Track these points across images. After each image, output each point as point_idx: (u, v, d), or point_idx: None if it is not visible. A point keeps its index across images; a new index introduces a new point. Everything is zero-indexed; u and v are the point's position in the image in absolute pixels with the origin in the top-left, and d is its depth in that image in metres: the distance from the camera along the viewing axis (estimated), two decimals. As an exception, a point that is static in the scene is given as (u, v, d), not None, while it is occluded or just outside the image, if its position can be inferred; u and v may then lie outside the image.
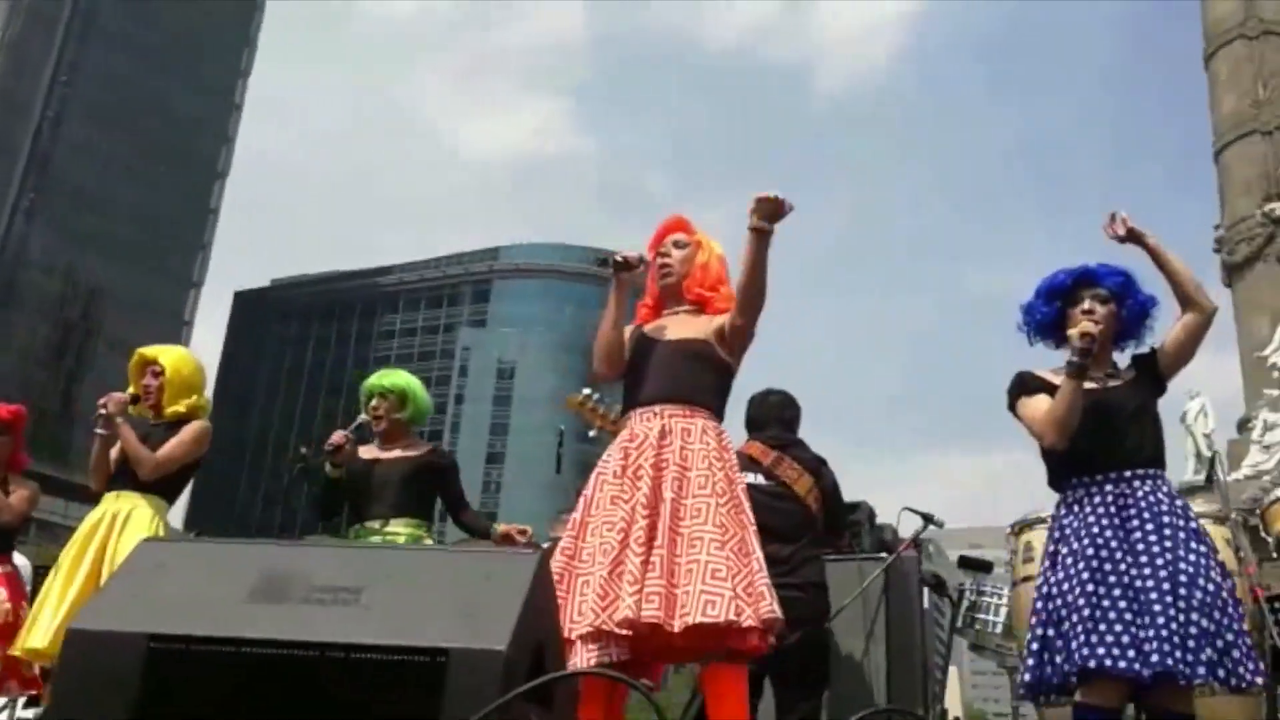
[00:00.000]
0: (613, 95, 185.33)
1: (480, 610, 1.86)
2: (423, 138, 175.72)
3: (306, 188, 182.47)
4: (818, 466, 4.48)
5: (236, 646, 1.85)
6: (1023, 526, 4.45)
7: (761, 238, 3.22)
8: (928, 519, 5.07)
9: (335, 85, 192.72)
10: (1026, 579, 4.27)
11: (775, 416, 4.56)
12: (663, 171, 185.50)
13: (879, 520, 5.94)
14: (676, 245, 3.48)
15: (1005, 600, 4.59)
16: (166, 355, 4.59)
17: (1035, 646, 3.30)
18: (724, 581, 2.95)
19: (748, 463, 4.25)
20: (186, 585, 1.98)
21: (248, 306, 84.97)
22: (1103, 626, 3.06)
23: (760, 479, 4.27)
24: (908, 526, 5.17)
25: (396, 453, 4.61)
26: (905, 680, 5.10)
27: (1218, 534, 3.96)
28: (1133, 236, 3.30)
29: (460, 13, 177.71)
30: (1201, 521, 3.33)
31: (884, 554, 5.12)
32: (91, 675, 1.86)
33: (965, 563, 4.80)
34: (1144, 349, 3.50)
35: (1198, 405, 19.11)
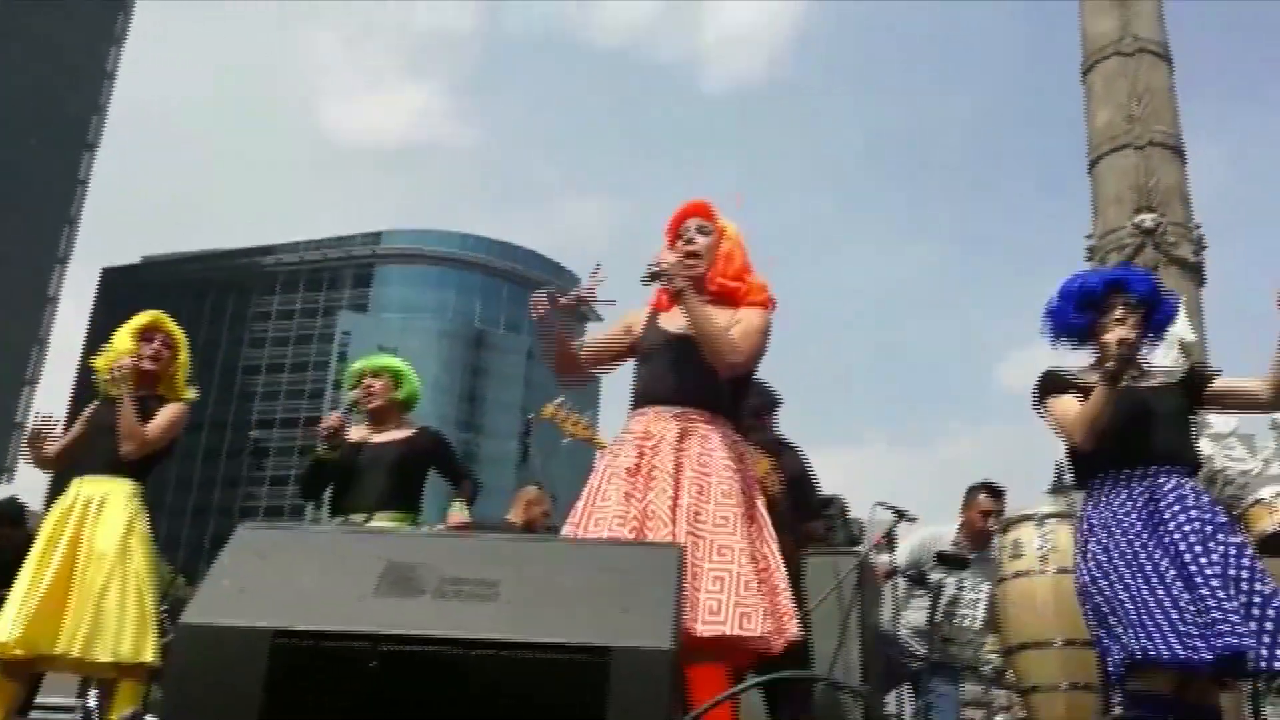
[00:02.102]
0: (497, 84, 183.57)
1: (636, 606, 1.77)
2: (305, 117, 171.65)
3: (182, 163, 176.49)
4: (778, 449, 4.42)
5: (372, 643, 1.72)
6: (1009, 523, 4.50)
7: (677, 298, 3.11)
8: (900, 514, 5.09)
9: (215, 58, 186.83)
10: (1016, 575, 4.32)
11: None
12: (546, 162, 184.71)
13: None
14: (701, 231, 3.30)
15: (983, 596, 4.64)
16: (178, 332, 4.40)
17: (1099, 643, 3.30)
18: (757, 595, 2.91)
19: None
20: (304, 576, 1.84)
21: (117, 283, 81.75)
22: (1146, 618, 3.08)
23: None
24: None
25: (386, 436, 4.45)
26: (879, 675, 5.13)
27: None
28: None
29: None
30: None
31: (858, 549, 5.13)
32: (211, 674, 1.71)
33: (943, 558, 4.83)
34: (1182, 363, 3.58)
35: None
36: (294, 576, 1.84)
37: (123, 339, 4.39)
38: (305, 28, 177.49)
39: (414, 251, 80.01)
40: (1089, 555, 3.30)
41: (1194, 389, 3.44)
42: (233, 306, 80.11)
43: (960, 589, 4.66)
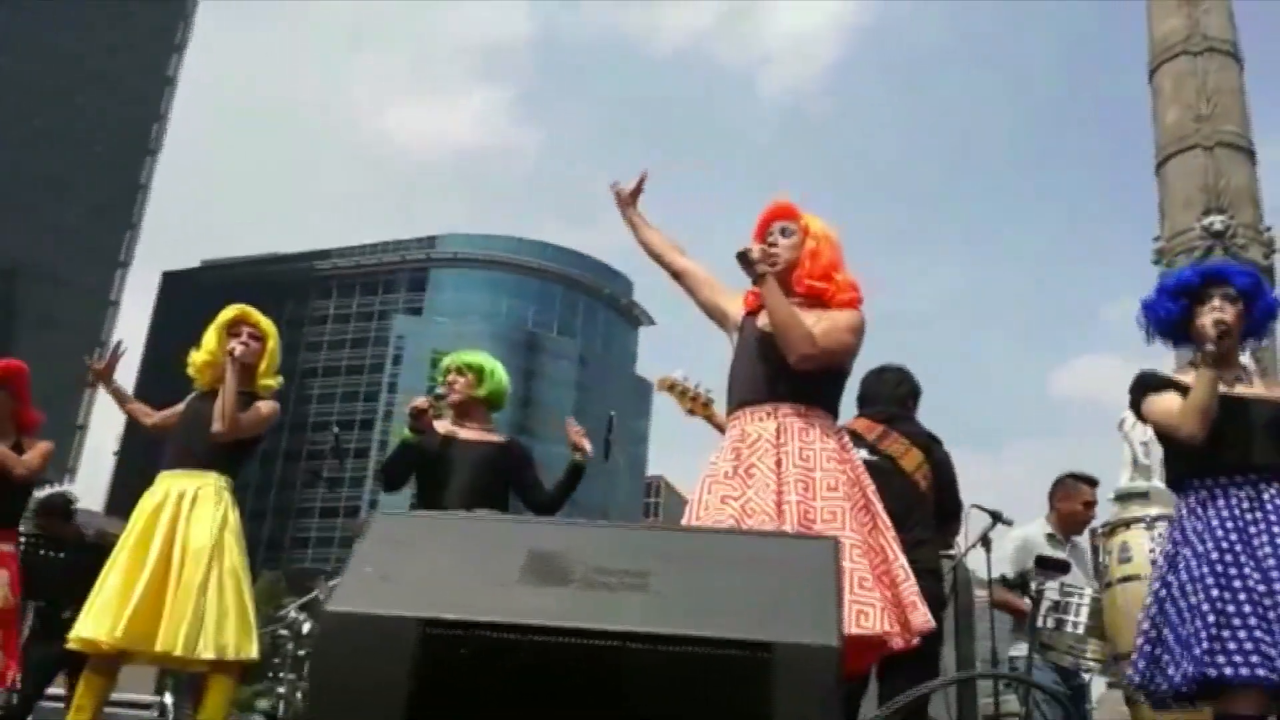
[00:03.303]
0: (553, 90, 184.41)
1: (796, 600, 1.68)
2: (361, 124, 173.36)
3: (242, 168, 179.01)
4: (928, 443, 4.26)
5: (522, 634, 1.65)
6: (1114, 527, 4.37)
7: (758, 284, 3.13)
8: (996, 516, 4.96)
9: (274, 65, 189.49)
10: (1124, 579, 4.19)
11: (888, 393, 4.35)
12: (600, 166, 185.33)
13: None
14: (783, 233, 3.26)
15: (1087, 600, 4.50)
16: (265, 322, 4.39)
17: (1148, 648, 3.24)
18: (872, 591, 2.83)
19: (850, 438, 4.09)
20: (446, 564, 1.77)
21: (176, 287, 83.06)
22: (1226, 634, 3.01)
23: (863, 454, 4.08)
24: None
25: (474, 434, 4.39)
26: (973, 684, 5.01)
27: None
28: None
29: (402, 1, 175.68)
30: None
31: (950, 553, 4.99)
32: (357, 663, 1.64)
33: (1043, 562, 4.69)
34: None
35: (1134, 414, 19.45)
36: (436, 564, 1.77)
37: (210, 337, 4.39)
38: (364, 35, 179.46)
39: (468, 256, 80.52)
40: (1180, 561, 3.22)
41: None
42: (289, 310, 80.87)
43: (1065, 593, 4.51)
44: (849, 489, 2.98)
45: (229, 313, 4.45)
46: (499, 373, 4.57)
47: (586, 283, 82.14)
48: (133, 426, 4.66)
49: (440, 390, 4.47)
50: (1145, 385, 3.44)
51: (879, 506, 3.05)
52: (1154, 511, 4.30)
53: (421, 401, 4.29)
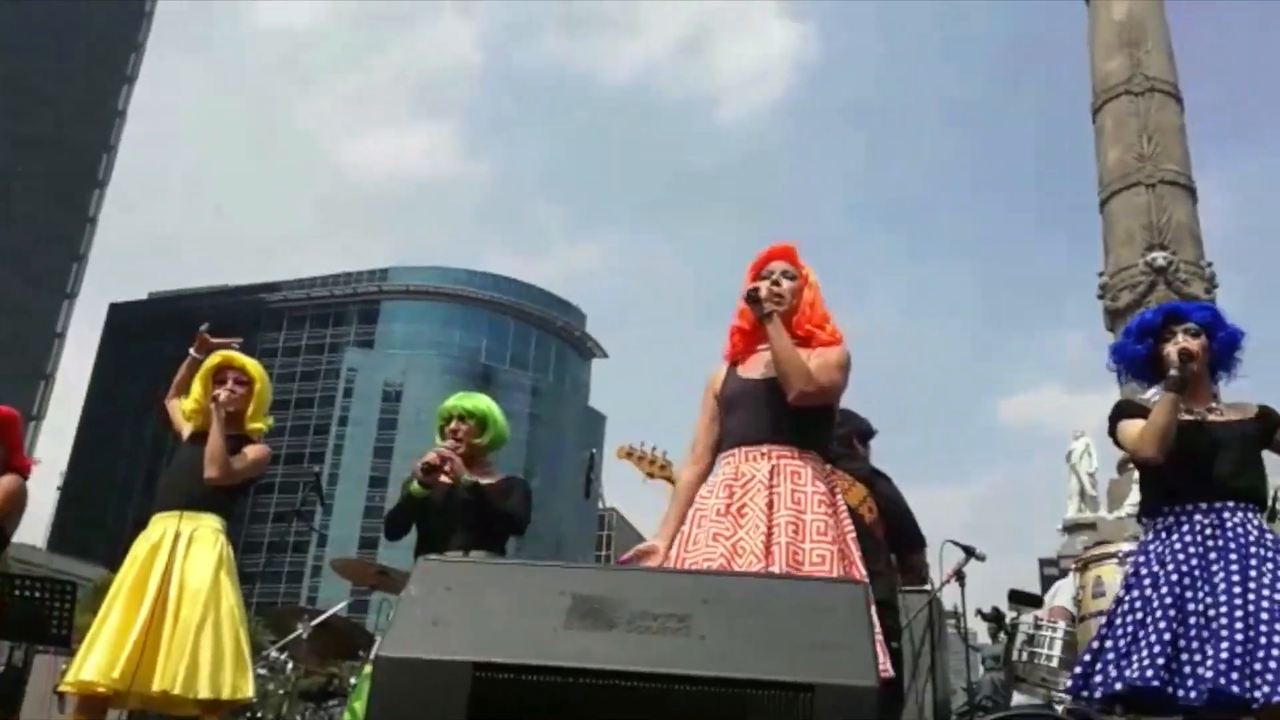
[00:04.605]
0: (502, 122, 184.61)
1: (834, 642, 1.75)
2: (311, 156, 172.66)
3: (191, 200, 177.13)
4: (871, 477, 4.38)
5: (572, 676, 1.72)
6: (1088, 562, 4.48)
7: (765, 321, 3.20)
8: (969, 552, 5.09)
9: (224, 99, 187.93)
10: (1100, 613, 4.29)
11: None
12: (552, 199, 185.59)
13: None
14: (786, 276, 3.34)
15: (1061, 634, 4.61)
16: (252, 366, 4.39)
17: (1089, 657, 3.37)
18: None
19: None
20: (493, 608, 1.83)
21: (123, 319, 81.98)
22: (1184, 658, 3.12)
23: None
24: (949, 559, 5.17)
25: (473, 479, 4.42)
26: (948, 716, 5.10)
27: None
28: None
29: (351, 33, 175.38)
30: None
31: (926, 587, 5.10)
32: (413, 707, 1.70)
33: (1015, 596, 4.83)
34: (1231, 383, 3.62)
35: (1082, 445, 19.75)
36: (484, 609, 1.83)
37: (196, 386, 4.39)
38: (313, 67, 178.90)
39: (420, 288, 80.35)
40: (1136, 581, 3.34)
41: (1270, 430, 3.44)
42: (239, 343, 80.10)
43: (1038, 627, 4.63)
44: (835, 534, 3.05)
45: (214, 359, 4.43)
46: (500, 420, 4.56)
47: (539, 315, 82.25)
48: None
49: (448, 444, 4.42)
50: (1120, 412, 3.56)
51: (857, 554, 3.11)
52: (1126, 547, 4.40)
53: (434, 457, 4.29)
